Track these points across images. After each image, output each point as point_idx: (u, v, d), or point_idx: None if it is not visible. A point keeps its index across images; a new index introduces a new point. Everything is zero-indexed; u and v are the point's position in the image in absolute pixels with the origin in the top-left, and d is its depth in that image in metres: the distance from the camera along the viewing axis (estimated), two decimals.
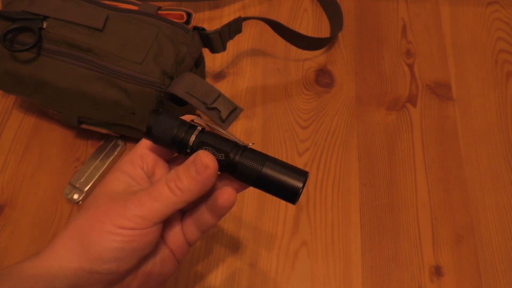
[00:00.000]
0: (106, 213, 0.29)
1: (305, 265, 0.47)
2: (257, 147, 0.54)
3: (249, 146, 0.32)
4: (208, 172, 0.29)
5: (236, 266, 0.47)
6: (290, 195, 0.30)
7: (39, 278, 0.27)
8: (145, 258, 0.31)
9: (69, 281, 0.27)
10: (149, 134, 0.32)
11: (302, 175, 0.30)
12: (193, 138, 0.31)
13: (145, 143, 0.33)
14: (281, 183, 0.30)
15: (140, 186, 0.31)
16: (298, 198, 0.31)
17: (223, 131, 0.32)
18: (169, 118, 0.32)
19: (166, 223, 0.33)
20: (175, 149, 0.32)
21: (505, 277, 0.47)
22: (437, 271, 0.47)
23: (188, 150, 0.32)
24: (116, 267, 0.28)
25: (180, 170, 0.30)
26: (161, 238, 0.33)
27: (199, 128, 0.32)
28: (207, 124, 0.33)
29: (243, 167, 0.31)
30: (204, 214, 0.33)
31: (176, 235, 0.34)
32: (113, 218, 0.28)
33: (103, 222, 0.28)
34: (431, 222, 0.50)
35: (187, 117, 0.33)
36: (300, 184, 0.30)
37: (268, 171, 0.30)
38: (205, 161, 0.29)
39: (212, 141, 0.31)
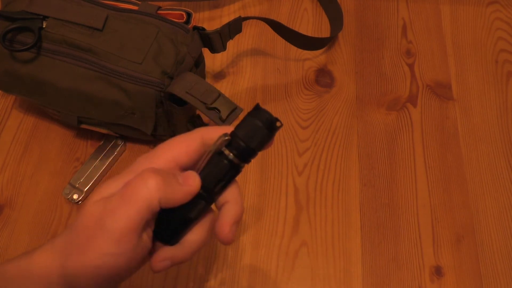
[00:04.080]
0: (94, 235, 0.27)
1: (305, 265, 0.47)
2: None
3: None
4: (193, 189, 0.28)
5: (236, 266, 0.47)
6: (156, 233, 0.30)
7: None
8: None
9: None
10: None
11: (166, 239, 0.30)
12: (237, 161, 0.29)
13: (172, 154, 0.29)
14: (166, 226, 0.30)
15: None
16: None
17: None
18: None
19: None
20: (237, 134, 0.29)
21: (505, 277, 0.47)
22: (438, 271, 0.47)
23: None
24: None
25: (168, 175, 0.28)
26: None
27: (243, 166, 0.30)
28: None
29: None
30: None
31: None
32: (97, 241, 0.27)
33: (91, 246, 0.27)
34: (431, 222, 0.49)
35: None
36: (157, 237, 0.30)
37: (180, 219, 0.30)
38: (193, 179, 0.28)
39: (228, 178, 0.30)
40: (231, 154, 0.28)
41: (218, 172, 0.29)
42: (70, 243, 0.28)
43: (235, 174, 0.30)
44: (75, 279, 0.27)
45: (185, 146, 0.30)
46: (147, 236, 0.28)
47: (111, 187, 0.28)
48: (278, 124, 0.29)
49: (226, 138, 0.28)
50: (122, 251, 0.27)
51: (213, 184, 0.29)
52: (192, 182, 0.28)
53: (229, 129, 0.29)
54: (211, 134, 0.29)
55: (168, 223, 0.30)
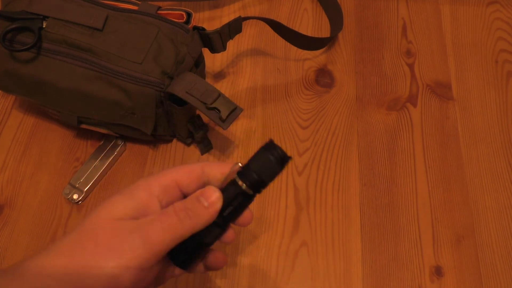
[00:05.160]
0: (108, 248, 0.27)
1: (305, 265, 0.47)
2: (257, 147, 0.54)
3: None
4: (217, 205, 0.30)
5: (236, 266, 0.47)
6: (173, 256, 0.32)
7: None
8: None
9: None
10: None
11: (184, 265, 0.33)
12: (250, 192, 0.31)
13: (173, 175, 0.31)
14: (182, 251, 0.32)
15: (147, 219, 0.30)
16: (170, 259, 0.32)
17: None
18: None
19: None
20: (249, 167, 0.31)
21: (505, 277, 0.47)
22: (438, 271, 0.47)
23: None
24: None
25: (188, 201, 0.30)
26: None
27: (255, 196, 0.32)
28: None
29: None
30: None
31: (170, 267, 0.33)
32: (116, 254, 0.27)
33: (104, 258, 0.27)
34: (432, 222, 0.49)
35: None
36: (173, 261, 0.32)
37: (196, 245, 0.32)
38: (218, 195, 0.30)
39: (241, 207, 0.32)
40: (244, 185, 0.30)
41: (233, 201, 0.31)
42: (82, 244, 0.28)
43: (248, 203, 0.32)
44: (80, 279, 0.27)
45: (187, 170, 0.32)
46: (160, 263, 0.30)
47: (121, 207, 0.29)
48: (289, 159, 0.31)
49: (240, 165, 0.31)
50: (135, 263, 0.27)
51: (228, 212, 0.31)
52: (216, 200, 0.30)
53: (227, 166, 0.32)
54: (211, 166, 0.32)
55: (186, 248, 0.31)
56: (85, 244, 0.28)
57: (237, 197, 0.31)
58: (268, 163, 0.30)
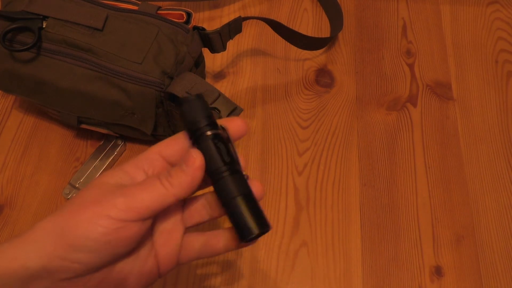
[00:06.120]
0: (92, 201, 0.29)
1: (305, 265, 0.47)
2: (257, 147, 0.54)
3: (244, 174, 0.32)
4: (196, 163, 0.30)
5: (236, 266, 0.47)
6: (245, 233, 0.31)
7: (14, 258, 0.28)
8: (120, 259, 0.31)
9: (42, 263, 0.28)
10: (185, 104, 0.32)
11: (265, 226, 0.31)
12: (209, 132, 0.31)
13: (157, 148, 0.33)
14: (244, 220, 0.31)
15: None
16: (250, 240, 0.31)
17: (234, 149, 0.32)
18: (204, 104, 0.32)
19: (167, 230, 0.33)
20: (189, 131, 0.32)
21: (505, 277, 0.47)
22: (438, 271, 0.47)
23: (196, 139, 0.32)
24: (87, 258, 0.28)
25: (171, 168, 0.31)
26: (152, 245, 0.32)
27: (220, 131, 0.32)
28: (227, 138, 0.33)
29: (221, 186, 0.31)
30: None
31: (171, 246, 0.33)
32: (99, 205, 0.29)
33: (87, 208, 0.29)
34: (432, 222, 0.50)
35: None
36: (256, 232, 0.30)
37: (240, 202, 0.31)
38: (194, 155, 0.31)
39: (221, 146, 0.31)
40: (208, 132, 0.31)
41: (214, 151, 0.31)
42: (72, 201, 0.30)
43: (223, 138, 0.32)
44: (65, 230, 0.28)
45: (169, 141, 0.33)
46: (143, 225, 0.30)
47: (110, 175, 0.31)
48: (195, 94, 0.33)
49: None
50: (119, 220, 0.28)
51: (226, 158, 0.31)
52: (193, 161, 0.30)
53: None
54: None
55: (248, 213, 0.31)
56: (74, 200, 0.30)
57: (212, 144, 0.31)
58: (196, 107, 0.32)
